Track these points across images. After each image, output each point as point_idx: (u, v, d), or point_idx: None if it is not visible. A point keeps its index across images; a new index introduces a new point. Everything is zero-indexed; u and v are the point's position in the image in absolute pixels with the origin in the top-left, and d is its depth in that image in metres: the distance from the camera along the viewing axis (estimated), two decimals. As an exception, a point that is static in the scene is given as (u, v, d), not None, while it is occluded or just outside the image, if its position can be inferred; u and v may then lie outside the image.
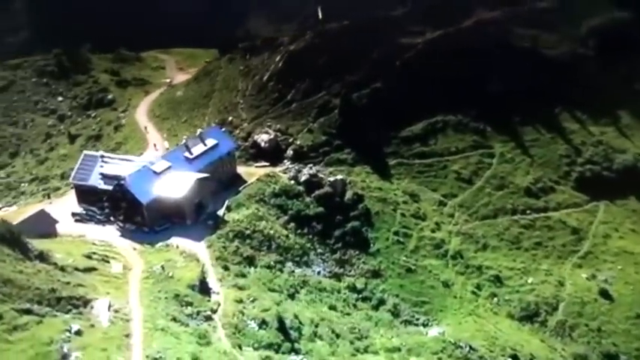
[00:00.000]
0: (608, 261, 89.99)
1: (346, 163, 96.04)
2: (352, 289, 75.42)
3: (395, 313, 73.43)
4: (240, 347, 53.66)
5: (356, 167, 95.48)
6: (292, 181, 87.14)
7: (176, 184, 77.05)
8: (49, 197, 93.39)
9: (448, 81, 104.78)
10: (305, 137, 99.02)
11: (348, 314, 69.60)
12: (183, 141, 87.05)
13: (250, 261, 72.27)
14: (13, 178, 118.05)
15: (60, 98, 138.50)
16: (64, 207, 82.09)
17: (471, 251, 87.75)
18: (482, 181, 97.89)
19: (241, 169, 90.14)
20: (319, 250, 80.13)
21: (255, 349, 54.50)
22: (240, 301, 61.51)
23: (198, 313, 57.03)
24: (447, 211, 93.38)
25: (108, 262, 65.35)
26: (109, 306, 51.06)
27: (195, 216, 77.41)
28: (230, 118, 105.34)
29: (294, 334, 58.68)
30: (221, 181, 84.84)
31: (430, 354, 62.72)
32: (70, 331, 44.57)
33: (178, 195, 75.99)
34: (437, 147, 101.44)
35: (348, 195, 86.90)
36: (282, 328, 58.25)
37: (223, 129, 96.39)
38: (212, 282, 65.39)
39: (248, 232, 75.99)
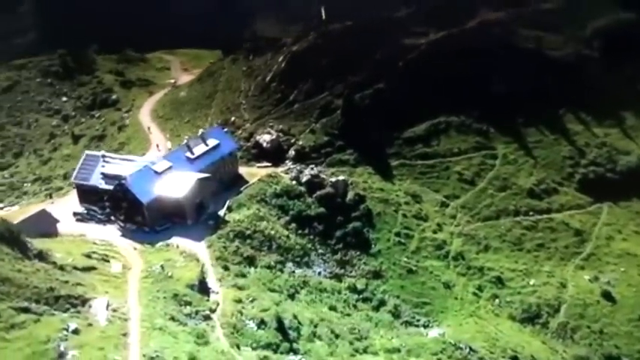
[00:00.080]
0: (611, 263, 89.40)
1: (348, 163, 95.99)
2: (353, 289, 75.25)
3: (395, 314, 73.22)
4: (238, 347, 53.53)
5: (358, 168, 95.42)
6: (294, 182, 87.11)
7: (177, 184, 77.14)
8: (51, 197, 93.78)
9: (451, 82, 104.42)
10: (307, 138, 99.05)
11: (349, 315, 69.39)
12: (185, 141, 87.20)
13: (250, 261, 72.28)
14: (16, 178, 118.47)
15: (64, 98, 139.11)
16: (65, 207, 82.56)
17: (472, 252, 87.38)
18: (484, 183, 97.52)
19: (243, 170, 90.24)
20: (320, 251, 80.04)
21: (254, 348, 54.39)
22: (239, 301, 61.50)
23: (196, 312, 56.96)
24: (449, 212, 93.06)
25: (107, 261, 65.44)
26: (107, 305, 50.96)
27: (195, 216, 77.46)
28: (232, 119, 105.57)
29: (292, 334, 58.60)
30: (223, 181, 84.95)
31: (430, 355, 62.41)
32: (67, 330, 44.48)
33: (179, 195, 76.08)
34: (439, 148, 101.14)
35: (350, 196, 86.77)
36: (280, 328, 58.18)
37: (225, 129, 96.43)
38: (212, 282, 65.44)
39: (249, 232, 76.03)
